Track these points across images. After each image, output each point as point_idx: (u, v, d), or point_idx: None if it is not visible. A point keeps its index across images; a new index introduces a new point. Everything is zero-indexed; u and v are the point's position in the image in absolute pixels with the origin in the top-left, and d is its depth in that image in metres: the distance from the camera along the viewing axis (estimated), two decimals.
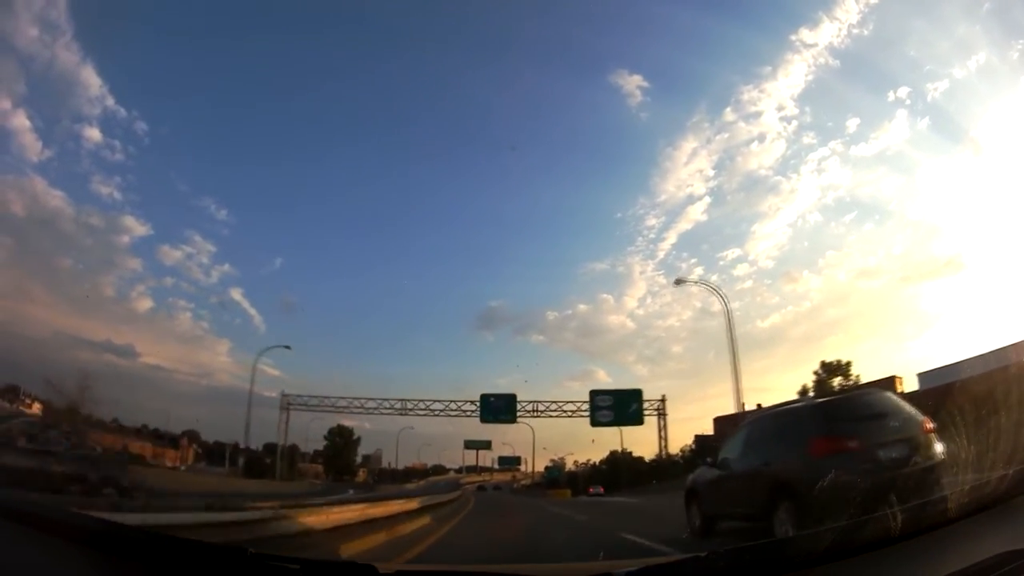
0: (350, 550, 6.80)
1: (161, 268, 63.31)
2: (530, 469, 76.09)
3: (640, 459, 58.30)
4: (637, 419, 48.51)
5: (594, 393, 49.46)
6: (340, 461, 72.45)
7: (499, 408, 49.88)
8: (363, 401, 52.13)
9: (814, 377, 35.02)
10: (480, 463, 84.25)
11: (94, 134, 58.56)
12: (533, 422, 54.24)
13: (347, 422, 69.26)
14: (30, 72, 54.01)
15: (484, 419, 50.54)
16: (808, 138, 73.44)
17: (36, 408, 37.89)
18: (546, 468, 69.85)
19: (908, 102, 61.35)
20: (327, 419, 63.05)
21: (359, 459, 76.77)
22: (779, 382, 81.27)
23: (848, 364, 34.80)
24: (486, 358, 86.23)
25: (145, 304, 62.68)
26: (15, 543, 1.65)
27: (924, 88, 58.44)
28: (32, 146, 53.62)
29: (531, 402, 50.51)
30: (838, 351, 74.71)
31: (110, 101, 59.11)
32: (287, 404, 52.40)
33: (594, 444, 79.71)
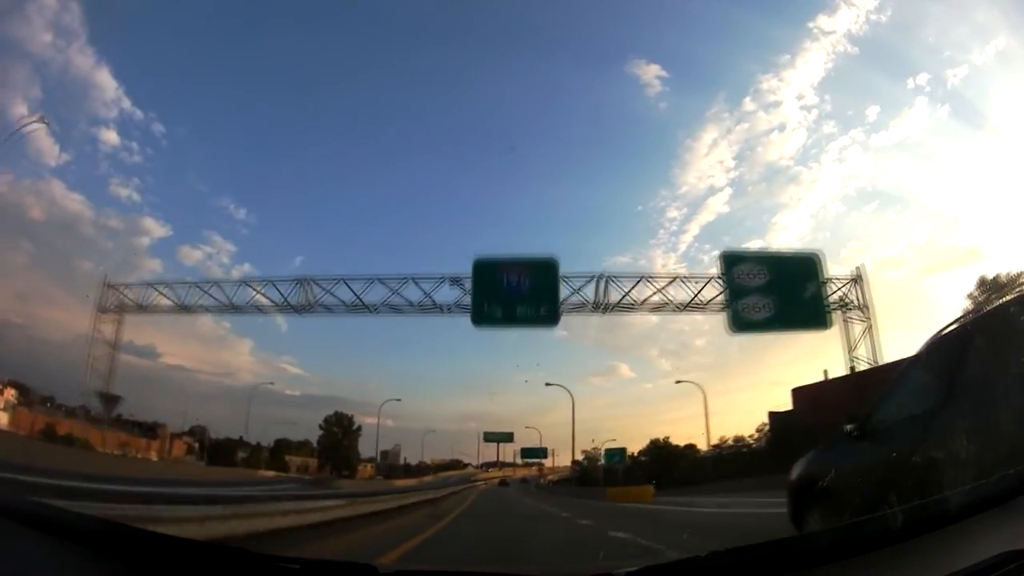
0: None
1: (182, 268, 63.93)
2: (552, 463, 73.04)
3: (691, 448, 48.09)
4: (818, 319, 27.62)
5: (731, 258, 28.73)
6: (337, 453, 67.11)
7: (526, 289, 28.17)
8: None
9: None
10: (503, 458, 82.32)
11: (111, 136, 58.82)
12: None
13: (370, 420, 67.71)
14: (46, 77, 54.21)
15: (484, 319, 28.96)
16: (828, 127, 74.18)
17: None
18: (576, 462, 59.35)
19: (928, 89, 60.66)
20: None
21: (376, 455, 73.29)
22: (800, 376, 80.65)
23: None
24: (509, 354, 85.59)
25: (166, 305, 63.17)
26: (15, 543, 1.65)
27: (943, 75, 58.18)
28: (49, 150, 53.91)
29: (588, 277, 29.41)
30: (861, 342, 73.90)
31: (126, 103, 59.45)
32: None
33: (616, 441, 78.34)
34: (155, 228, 64.44)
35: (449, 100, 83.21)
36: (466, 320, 28.79)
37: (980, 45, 55.21)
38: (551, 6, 74.75)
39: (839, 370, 29.91)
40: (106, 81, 58.48)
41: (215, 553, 1.67)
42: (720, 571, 1.64)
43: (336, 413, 67.75)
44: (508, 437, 69.90)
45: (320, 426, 68.26)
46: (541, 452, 73.03)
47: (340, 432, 68.95)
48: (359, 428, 70.08)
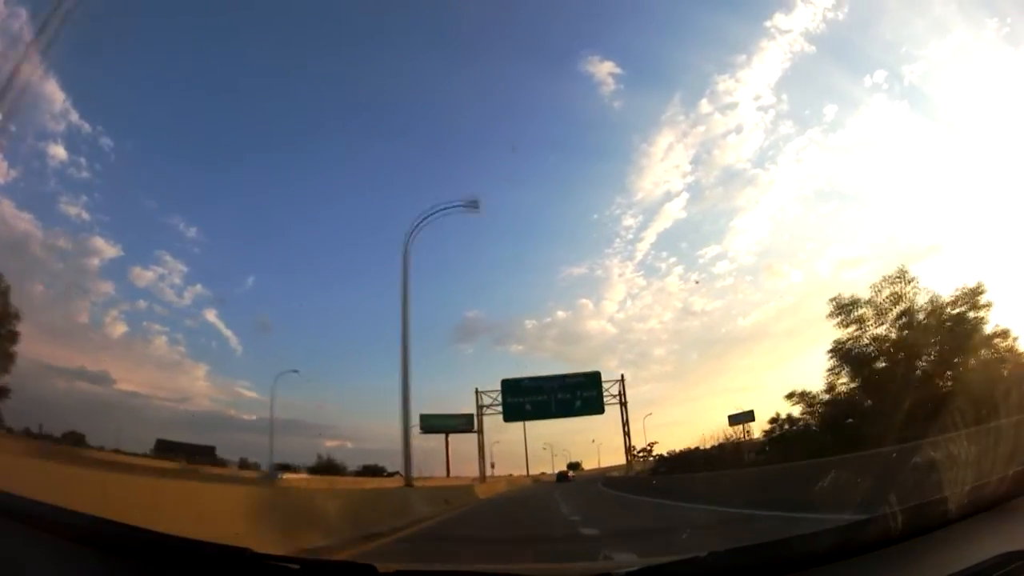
0: None
1: (134, 291, 61.42)
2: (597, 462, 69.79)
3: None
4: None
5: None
6: None
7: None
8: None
9: None
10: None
11: (59, 152, 55.88)
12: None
13: (330, 443, 65.31)
14: None
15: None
16: (786, 127, 70.64)
17: None
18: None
19: (885, 86, 57.68)
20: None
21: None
22: (762, 381, 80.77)
23: None
24: (468, 370, 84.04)
25: (119, 329, 61.08)
26: (16, 542, 1.65)
27: (901, 71, 55.34)
28: None
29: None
30: (823, 344, 73.92)
31: (74, 116, 57.00)
32: None
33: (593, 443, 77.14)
34: (105, 248, 60.92)
35: (395, 101, 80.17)
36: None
37: (937, 40, 54.78)
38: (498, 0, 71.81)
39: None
40: (54, 92, 55.95)
41: (215, 552, 1.67)
42: (720, 571, 1.64)
43: None
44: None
45: None
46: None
47: None
48: None
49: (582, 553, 7.06)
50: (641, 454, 57.97)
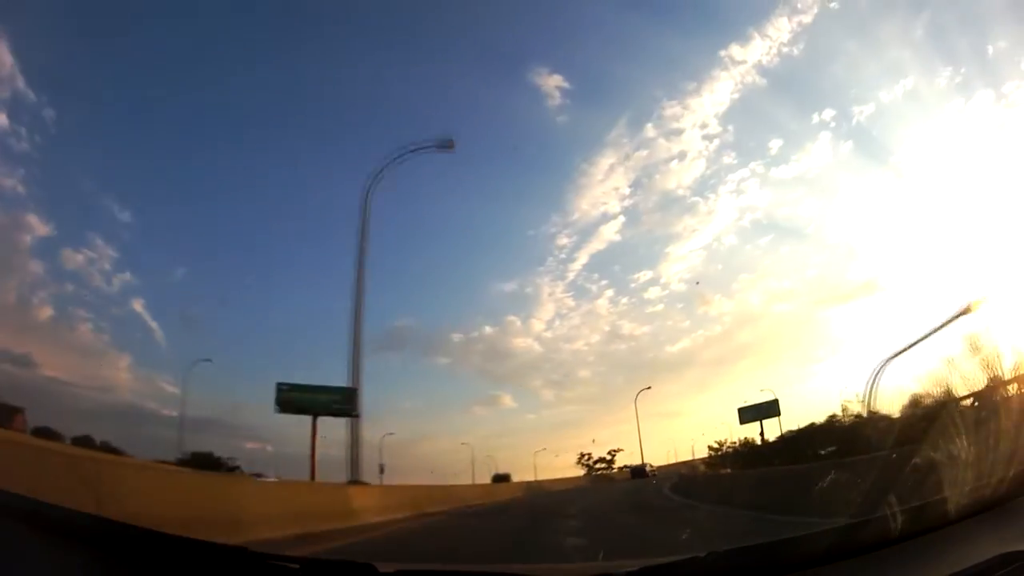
0: None
1: (63, 273, 59.38)
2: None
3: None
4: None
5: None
6: None
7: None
8: None
9: None
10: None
11: (1, 119, 52.26)
12: None
13: (250, 444, 58.23)
14: None
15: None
16: (728, 158, 69.45)
17: None
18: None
19: (833, 124, 59.24)
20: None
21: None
22: (689, 406, 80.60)
23: None
24: (393, 381, 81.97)
25: (45, 312, 59.10)
26: (15, 542, 1.65)
27: (850, 111, 57.40)
28: None
29: None
30: (749, 375, 75.68)
31: (20, 82, 54.31)
32: None
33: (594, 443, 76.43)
34: (38, 226, 58.89)
35: (332, 104, 76.96)
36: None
37: (889, 83, 55.38)
38: (447, 3, 70.27)
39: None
40: (2, 54, 53.70)
41: (215, 552, 1.67)
42: (720, 571, 1.64)
43: None
44: None
45: None
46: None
47: None
48: None
49: (582, 554, 7.07)
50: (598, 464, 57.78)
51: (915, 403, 15.20)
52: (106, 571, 1.60)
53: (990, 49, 46.02)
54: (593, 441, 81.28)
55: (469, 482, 50.12)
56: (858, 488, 6.43)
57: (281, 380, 34.95)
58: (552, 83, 60.95)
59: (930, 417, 8.81)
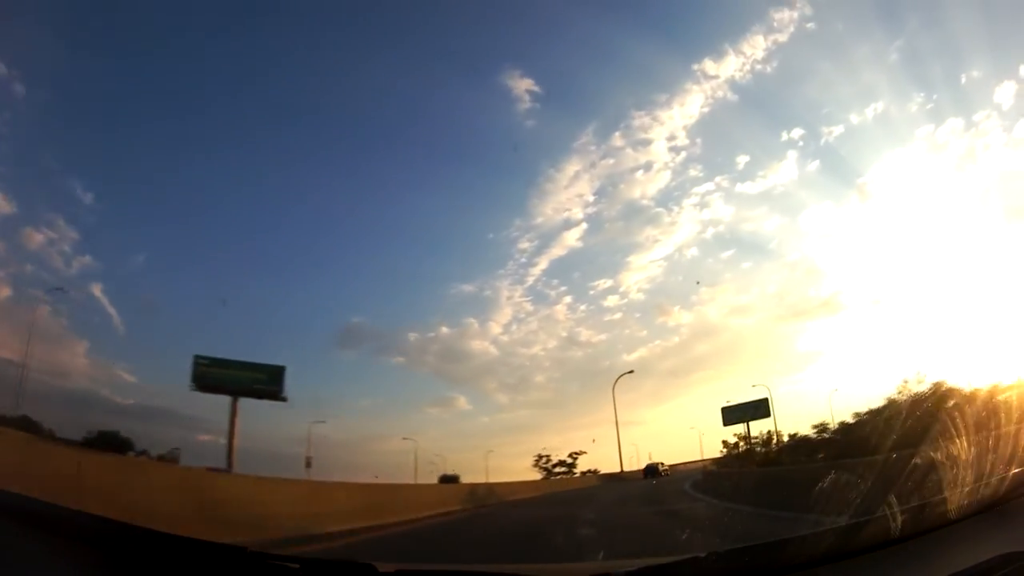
0: None
1: (23, 253, 57.95)
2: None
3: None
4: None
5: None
6: None
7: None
8: None
9: None
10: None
11: None
12: None
13: (203, 437, 50.24)
14: None
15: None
16: (695, 171, 70.09)
17: None
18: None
19: (801, 143, 59.82)
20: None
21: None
22: (647, 416, 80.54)
23: None
24: (348, 378, 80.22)
25: (3, 292, 57.50)
26: (15, 541, 1.65)
27: (819, 131, 57.55)
28: None
29: None
30: (704, 385, 75.22)
31: None
32: None
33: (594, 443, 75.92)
34: (1, 203, 58.45)
35: (297, 98, 74.01)
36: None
37: (860, 106, 55.71)
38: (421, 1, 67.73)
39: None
40: None
41: (215, 551, 1.67)
42: (720, 571, 1.64)
43: None
44: None
45: None
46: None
47: None
48: None
49: (582, 554, 7.07)
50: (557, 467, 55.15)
51: None
52: (106, 571, 1.59)
53: (963, 78, 46.93)
54: (593, 441, 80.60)
55: (410, 481, 38.92)
56: None
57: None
58: (523, 86, 60.44)
59: None
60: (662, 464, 52.10)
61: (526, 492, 29.75)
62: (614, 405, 48.92)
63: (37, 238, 56.90)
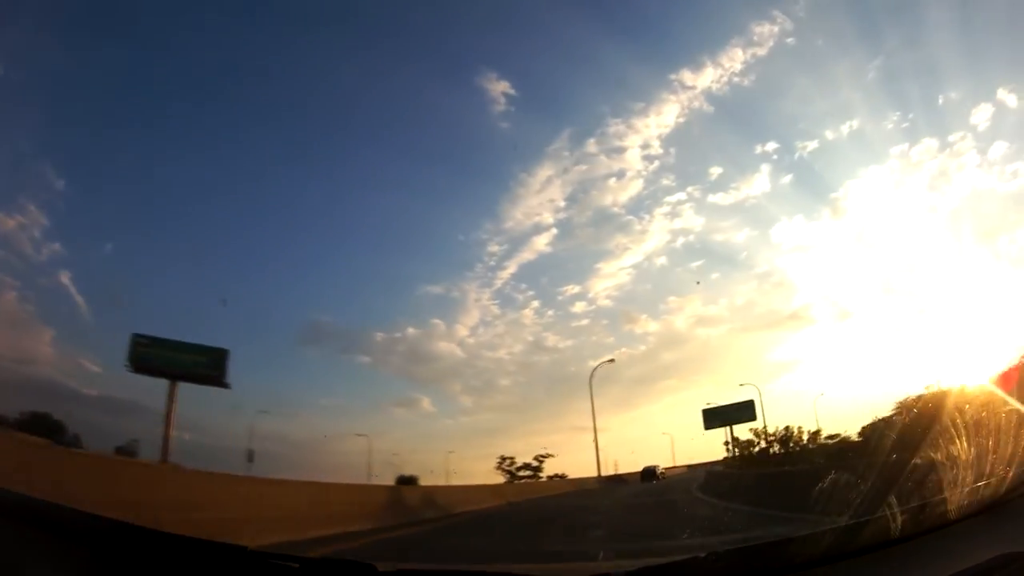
0: None
1: None
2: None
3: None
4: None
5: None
6: None
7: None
8: None
9: None
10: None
11: None
12: None
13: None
14: None
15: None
16: (667, 180, 69.47)
17: None
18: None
19: (775, 157, 59.72)
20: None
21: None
22: (611, 422, 79.90)
23: None
24: (312, 376, 77.93)
25: None
26: (15, 541, 1.65)
27: (793, 145, 57.66)
28: None
29: None
30: (670, 394, 75.48)
31: None
32: None
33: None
34: None
35: (269, 90, 70.48)
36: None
37: (836, 122, 55.59)
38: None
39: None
40: None
41: (216, 551, 1.67)
42: (720, 571, 1.64)
43: None
44: None
45: None
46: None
47: None
48: None
49: (582, 553, 7.07)
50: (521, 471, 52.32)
51: None
52: (106, 571, 1.60)
53: (941, 99, 47.57)
54: (594, 441, 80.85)
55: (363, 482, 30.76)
56: None
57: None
58: (499, 89, 58.63)
59: None
60: (659, 467, 51.36)
61: (484, 500, 22.84)
62: (591, 400, 46.01)
63: (8, 223, 54.64)
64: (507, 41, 72.93)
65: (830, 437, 26.22)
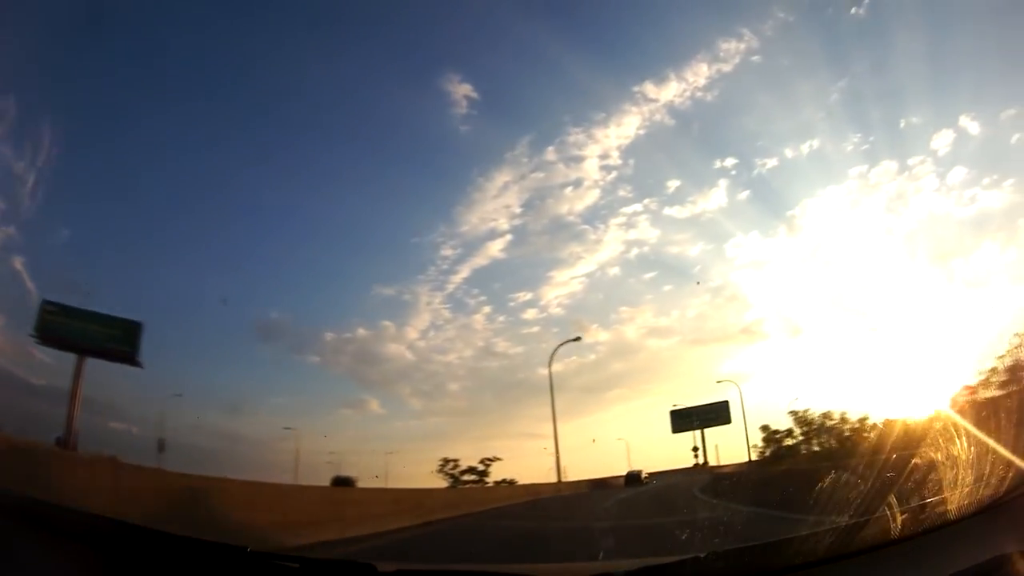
0: None
1: None
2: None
3: None
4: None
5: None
6: None
7: None
8: None
9: None
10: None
11: None
12: None
13: (115, 424, 39.93)
14: None
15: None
16: (624, 191, 67.56)
17: None
18: None
19: (733, 173, 58.53)
20: None
21: None
22: (562, 430, 79.93)
23: None
24: (263, 374, 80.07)
25: None
26: (16, 540, 1.65)
27: (752, 162, 56.44)
28: None
29: None
30: (620, 403, 75.59)
31: None
32: None
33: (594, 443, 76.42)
34: None
35: (226, 79, 66.38)
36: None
37: (797, 141, 55.93)
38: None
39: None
40: None
41: (216, 551, 1.68)
42: (720, 571, 1.64)
43: None
44: None
45: None
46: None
47: None
48: None
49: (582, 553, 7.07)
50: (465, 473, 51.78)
51: None
52: (106, 571, 1.60)
53: (902, 123, 47.47)
54: (593, 441, 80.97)
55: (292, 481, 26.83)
56: None
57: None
58: (461, 92, 58.76)
59: None
60: (644, 472, 50.54)
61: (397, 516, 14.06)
62: (551, 390, 41.24)
63: None
64: (472, 45, 72.21)
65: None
